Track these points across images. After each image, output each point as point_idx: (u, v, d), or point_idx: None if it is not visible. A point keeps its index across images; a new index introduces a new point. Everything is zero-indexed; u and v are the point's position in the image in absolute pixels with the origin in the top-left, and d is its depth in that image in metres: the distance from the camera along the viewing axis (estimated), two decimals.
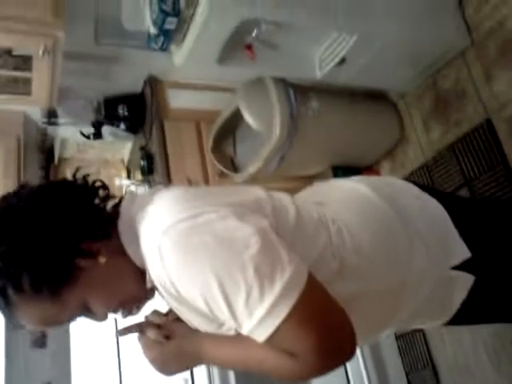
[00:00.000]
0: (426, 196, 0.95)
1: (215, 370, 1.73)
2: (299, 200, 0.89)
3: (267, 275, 0.67)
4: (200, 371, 1.74)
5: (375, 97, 2.31)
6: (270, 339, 0.68)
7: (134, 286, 0.82)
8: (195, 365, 0.88)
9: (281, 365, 0.73)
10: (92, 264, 0.77)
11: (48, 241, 0.74)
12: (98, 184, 0.85)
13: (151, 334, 0.87)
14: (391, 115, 2.25)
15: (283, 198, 0.86)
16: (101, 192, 0.84)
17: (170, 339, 0.86)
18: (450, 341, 1.98)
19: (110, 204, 0.85)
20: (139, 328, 0.89)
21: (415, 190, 0.97)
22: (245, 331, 0.69)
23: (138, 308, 0.87)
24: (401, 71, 2.06)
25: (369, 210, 0.90)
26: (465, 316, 0.93)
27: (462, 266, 0.88)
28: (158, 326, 0.88)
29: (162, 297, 0.81)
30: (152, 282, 0.77)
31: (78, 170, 0.86)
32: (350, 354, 0.72)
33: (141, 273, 0.80)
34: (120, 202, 0.84)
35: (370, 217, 0.88)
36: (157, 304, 0.90)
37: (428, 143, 2.14)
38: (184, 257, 0.69)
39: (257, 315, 0.67)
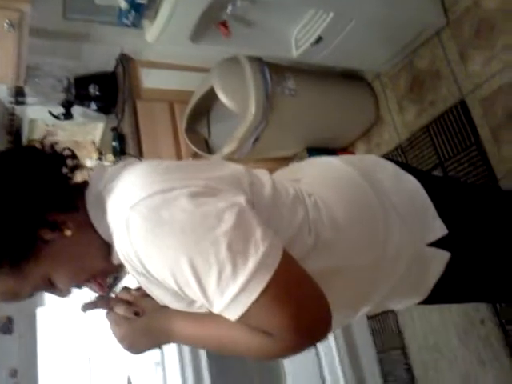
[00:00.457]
0: (403, 172, 0.94)
1: (186, 354, 1.72)
2: (276, 178, 0.87)
3: (240, 251, 0.65)
4: (171, 354, 1.72)
5: (351, 77, 2.30)
6: (243, 318, 0.66)
7: (100, 262, 0.79)
8: (165, 343, 0.86)
9: (255, 344, 0.72)
10: (57, 237, 0.73)
11: (8, 210, 0.69)
12: (66, 153, 0.80)
13: (120, 310, 0.84)
14: (367, 96, 2.24)
15: (261, 173, 0.85)
16: (69, 161, 0.80)
17: (140, 316, 0.83)
18: (421, 321, 2.00)
19: (78, 176, 0.82)
20: (107, 304, 0.86)
21: (392, 166, 0.96)
22: (216, 310, 0.67)
23: (106, 283, 0.84)
24: (376, 51, 2.05)
25: (344, 183, 0.89)
26: (440, 294, 0.92)
27: (438, 243, 0.87)
28: (128, 303, 0.85)
29: (131, 273, 0.78)
30: (118, 258, 0.74)
31: (45, 136, 0.82)
32: (325, 332, 0.70)
33: (109, 247, 0.77)
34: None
35: (345, 190, 0.87)
36: (127, 280, 0.87)
37: (403, 124, 2.15)
38: (152, 233, 0.65)
39: (229, 293, 0.64)
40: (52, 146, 0.80)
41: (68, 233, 0.74)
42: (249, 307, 0.65)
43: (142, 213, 0.66)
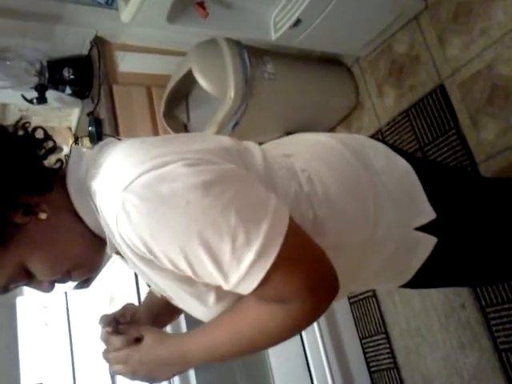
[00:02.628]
0: (394, 154, 0.93)
1: None
2: (268, 152, 0.84)
3: (250, 217, 0.62)
4: None
5: (330, 62, 2.29)
6: (261, 287, 0.63)
7: (83, 250, 0.74)
8: (185, 368, 0.80)
9: (278, 318, 0.69)
10: (31, 220, 0.68)
11: None
12: (39, 134, 0.76)
13: (117, 343, 0.79)
14: (346, 80, 2.23)
15: (250, 145, 0.82)
16: (44, 143, 0.75)
17: (142, 340, 0.78)
18: (403, 306, 2.02)
19: (54, 158, 0.78)
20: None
21: (383, 147, 0.95)
22: (232, 282, 0.63)
23: (90, 277, 0.80)
24: (355, 35, 2.04)
25: (336, 160, 0.86)
26: (422, 278, 0.92)
27: (426, 228, 0.86)
28: (117, 332, 0.81)
29: (126, 262, 0.74)
30: (114, 248, 0.70)
31: (21, 118, 0.77)
32: (337, 288, 0.70)
33: (94, 236, 0.73)
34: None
35: (337, 168, 0.85)
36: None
37: (383, 109, 2.14)
38: (155, 212, 0.61)
39: (246, 261, 0.62)
40: (24, 126, 0.75)
41: (43, 216, 0.69)
42: (267, 272, 0.62)
43: (138, 193, 0.61)
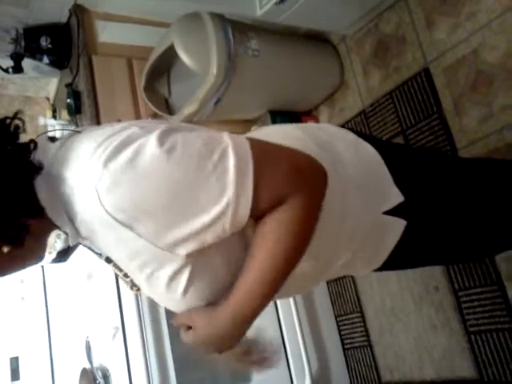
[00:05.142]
0: (361, 141, 0.94)
1: (146, 316, 1.71)
2: None
3: (215, 145, 0.67)
4: (131, 318, 1.71)
5: (316, 39, 2.25)
6: (255, 200, 0.66)
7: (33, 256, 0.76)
8: (245, 327, 0.77)
9: (288, 217, 0.70)
10: None
11: None
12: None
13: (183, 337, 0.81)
14: (332, 59, 2.20)
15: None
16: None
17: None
18: (378, 287, 2.06)
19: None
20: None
21: (351, 136, 0.95)
22: (232, 202, 0.65)
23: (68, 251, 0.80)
24: (342, 12, 2.00)
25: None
26: (395, 261, 0.94)
27: (395, 211, 0.88)
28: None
29: (93, 250, 0.74)
30: (76, 237, 0.70)
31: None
32: (321, 170, 0.73)
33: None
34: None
35: None
36: None
37: (367, 89, 2.12)
38: (134, 173, 0.62)
39: (229, 183, 0.65)
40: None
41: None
42: (254, 182, 0.66)
43: (113, 162, 0.62)
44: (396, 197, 0.88)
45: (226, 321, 0.73)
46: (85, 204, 0.65)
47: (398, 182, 0.89)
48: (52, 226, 0.73)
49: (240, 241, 0.74)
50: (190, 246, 0.68)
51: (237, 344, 0.79)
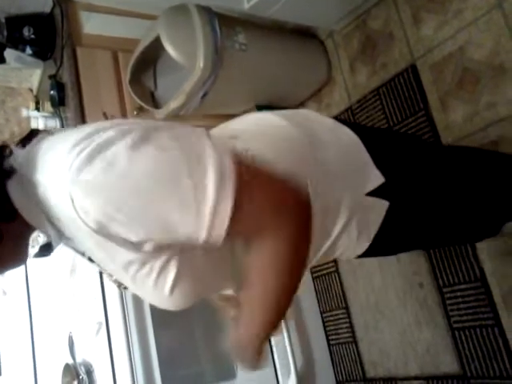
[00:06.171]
0: (340, 125, 0.94)
1: (130, 312, 1.69)
2: (214, 136, 0.82)
3: (196, 159, 0.64)
4: (115, 313, 1.69)
5: (304, 35, 2.24)
6: (234, 218, 0.64)
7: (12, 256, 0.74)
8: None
9: (273, 246, 0.69)
10: None
11: None
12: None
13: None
14: (319, 55, 2.19)
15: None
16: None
17: None
18: (364, 283, 2.06)
19: None
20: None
21: (329, 120, 0.96)
22: (206, 221, 0.63)
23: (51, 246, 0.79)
24: (330, 8, 1.99)
25: (281, 138, 0.87)
26: (380, 244, 0.94)
27: (377, 192, 0.89)
28: None
29: (76, 249, 0.73)
30: (59, 239, 0.68)
31: None
32: (301, 197, 0.71)
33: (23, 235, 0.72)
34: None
35: (282, 145, 0.85)
36: None
37: (354, 85, 2.12)
38: (105, 177, 0.60)
39: (206, 205, 0.62)
40: None
41: None
42: (232, 207, 0.63)
43: (86, 165, 0.60)
44: (377, 178, 0.89)
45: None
46: (60, 208, 0.63)
47: (379, 163, 0.90)
48: (30, 229, 0.72)
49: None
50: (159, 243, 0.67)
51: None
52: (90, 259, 0.76)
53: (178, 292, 0.73)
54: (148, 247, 0.66)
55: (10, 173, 0.67)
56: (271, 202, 0.68)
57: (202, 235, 0.64)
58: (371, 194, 0.89)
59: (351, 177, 0.88)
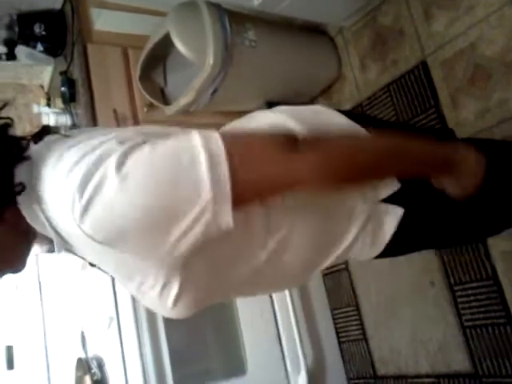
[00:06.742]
0: (353, 124, 0.91)
1: (141, 308, 1.70)
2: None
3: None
4: (125, 309, 1.70)
5: (314, 31, 2.23)
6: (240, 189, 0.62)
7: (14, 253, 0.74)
8: None
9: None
10: None
11: None
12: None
13: None
14: (329, 51, 2.19)
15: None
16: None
17: None
18: (374, 281, 2.06)
19: None
20: None
21: (342, 118, 0.93)
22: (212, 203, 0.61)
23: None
24: (339, 4, 1.99)
25: None
26: (394, 247, 0.93)
27: (391, 199, 0.88)
28: None
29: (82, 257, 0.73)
30: (62, 245, 0.68)
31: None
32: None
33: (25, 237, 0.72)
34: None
35: None
36: None
37: (364, 82, 2.11)
38: (101, 198, 0.59)
39: (203, 189, 0.60)
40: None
41: None
42: (231, 179, 0.61)
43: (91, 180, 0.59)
44: (392, 184, 0.87)
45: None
46: (63, 222, 0.63)
47: None
48: (30, 238, 0.73)
49: (225, 246, 0.72)
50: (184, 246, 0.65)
51: None
52: (92, 264, 0.77)
53: (181, 304, 0.74)
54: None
55: (23, 159, 0.67)
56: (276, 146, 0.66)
57: (208, 196, 0.60)
58: (386, 200, 0.87)
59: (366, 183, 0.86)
